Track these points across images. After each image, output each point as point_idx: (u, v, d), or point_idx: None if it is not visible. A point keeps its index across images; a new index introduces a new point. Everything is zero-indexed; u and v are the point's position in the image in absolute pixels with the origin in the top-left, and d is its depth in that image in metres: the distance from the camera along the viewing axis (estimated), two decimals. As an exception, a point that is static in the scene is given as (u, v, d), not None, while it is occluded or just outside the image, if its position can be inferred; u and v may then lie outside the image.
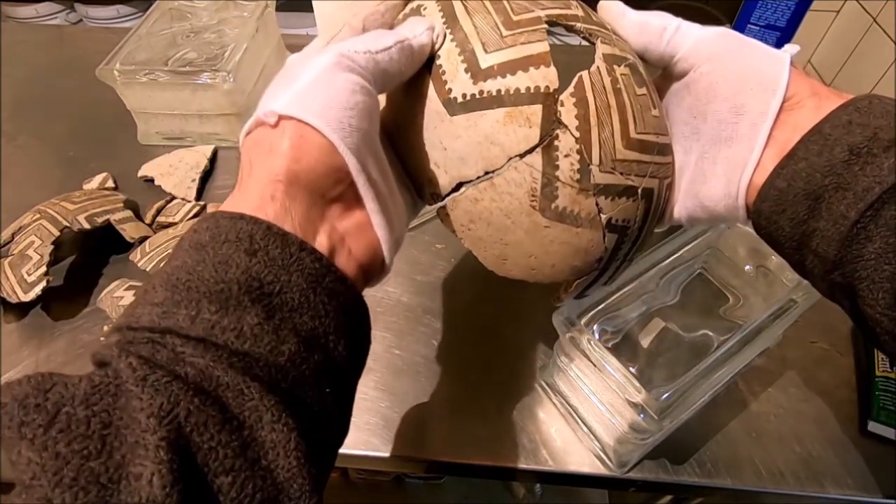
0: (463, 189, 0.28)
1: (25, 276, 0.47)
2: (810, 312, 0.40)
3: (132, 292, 0.49)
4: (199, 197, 0.60)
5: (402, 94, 0.29)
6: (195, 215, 0.57)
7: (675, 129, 0.31)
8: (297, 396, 0.20)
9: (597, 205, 0.27)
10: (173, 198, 0.59)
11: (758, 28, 0.72)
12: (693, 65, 0.29)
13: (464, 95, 0.26)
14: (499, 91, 0.26)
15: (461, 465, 0.42)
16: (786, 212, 0.26)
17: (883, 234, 0.23)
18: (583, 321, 0.38)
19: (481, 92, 0.26)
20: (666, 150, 0.30)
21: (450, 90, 0.27)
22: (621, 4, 0.31)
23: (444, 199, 0.29)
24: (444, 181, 0.28)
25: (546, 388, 0.45)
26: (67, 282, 0.52)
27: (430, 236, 0.56)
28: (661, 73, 0.32)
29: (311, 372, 0.21)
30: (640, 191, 0.28)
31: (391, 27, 0.29)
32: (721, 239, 0.47)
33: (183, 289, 0.19)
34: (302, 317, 0.21)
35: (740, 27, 0.73)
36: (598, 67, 0.27)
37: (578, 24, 0.28)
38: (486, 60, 0.26)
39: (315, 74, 0.23)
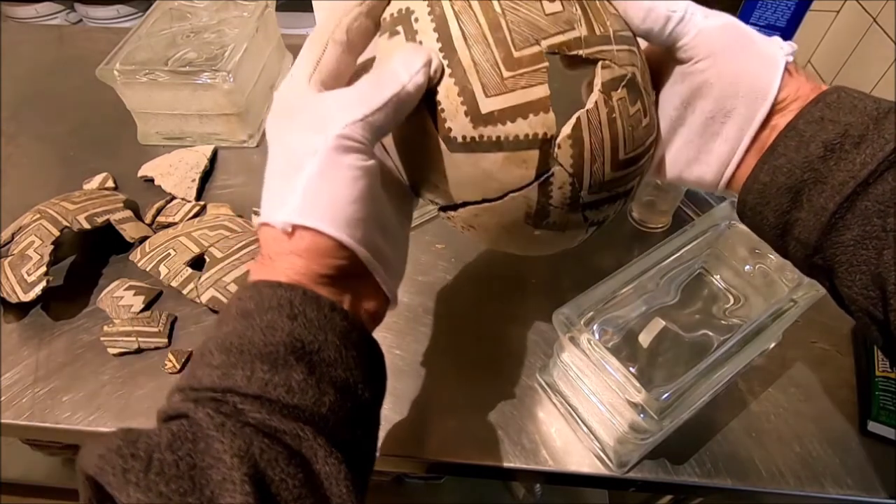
0: (462, 207, 0.30)
1: (25, 276, 0.47)
2: (810, 312, 0.40)
3: (132, 292, 0.49)
4: (198, 197, 0.60)
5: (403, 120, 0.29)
6: (195, 215, 0.57)
7: (663, 103, 0.32)
8: (337, 437, 0.23)
9: (584, 216, 0.30)
10: (173, 198, 0.59)
11: (758, 28, 0.72)
12: (692, 57, 0.29)
13: (464, 137, 0.27)
14: (498, 137, 0.26)
15: (461, 465, 0.42)
16: (769, 203, 0.28)
17: (860, 222, 0.25)
18: (583, 321, 0.38)
19: (481, 136, 0.26)
20: (651, 145, 0.31)
21: (449, 129, 0.27)
22: None
23: (446, 209, 0.31)
24: (444, 199, 0.30)
25: (546, 388, 0.45)
26: (67, 282, 0.52)
27: (431, 236, 0.56)
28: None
29: (346, 416, 0.24)
30: (622, 195, 0.31)
31: (376, 26, 0.29)
32: (721, 239, 0.47)
33: (236, 352, 0.23)
34: (337, 370, 0.24)
35: (740, 27, 0.73)
36: (595, 104, 0.27)
37: (581, 51, 0.27)
38: (486, 105, 0.26)
39: (318, 167, 0.24)
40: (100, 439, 0.19)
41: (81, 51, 0.80)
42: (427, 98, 0.27)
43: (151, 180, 0.61)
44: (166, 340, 0.47)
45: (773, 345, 0.47)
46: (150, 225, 0.56)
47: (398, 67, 0.25)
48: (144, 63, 0.62)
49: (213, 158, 0.65)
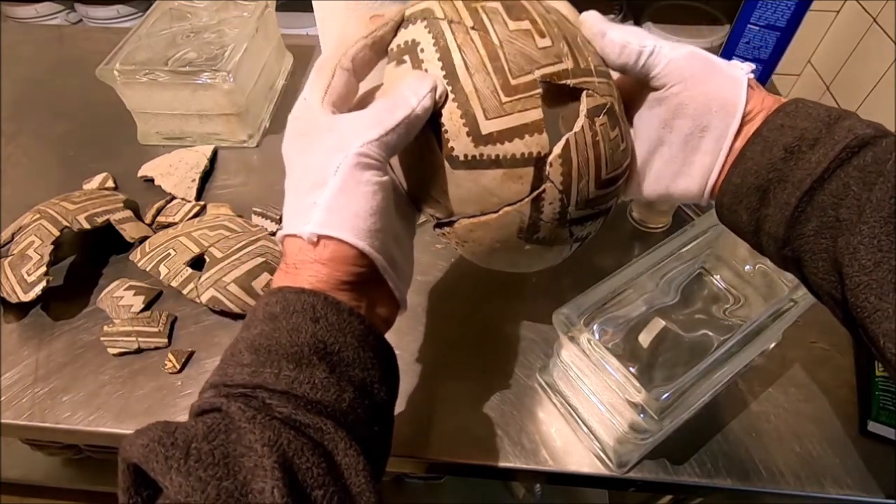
0: (460, 220, 0.32)
1: (25, 276, 0.47)
2: (810, 312, 0.40)
3: (132, 292, 0.49)
4: (198, 197, 0.60)
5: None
6: (195, 215, 0.57)
7: (642, 126, 0.35)
8: (356, 432, 0.25)
9: (570, 231, 0.33)
10: (173, 198, 0.59)
11: (758, 28, 0.72)
12: (665, 84, 0.33)
13: (465, 155, 0.29)
14: (497, 156, 0.29)
15: (461, 465, 0.42)
16: (742, 203, 0.31)
17: (818, 214, 0.28)
18: (583, 321, 0.38)
19: (481, 154, 0.29)
20: (626, 168, 0.34)
21: (452, 148, 0.29)
22: (602, 22, 0.33)
23: (442, 225, 0.34)
24: (444, 213, 0.33)
25: (546, 388, 0.45)
26: (67, 282, 0.52)
27: (430, 236, 0.56)
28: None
29: (364, 414, 0.26)
30: (603, 212, 0.34)
31: (378, 56, 0.31)
32: (721, 239, 0.47)
33: (265, 352, 0.25)
34: (355, 370, 0.26)
35: (740, 27, 0.73)
36: (582, 127, 0.30)
37: (568, 81, 0.30)
38: (486, 127, 0.29)
39: (340, 183, 0.26)
40: (139, 431, 0.21)
41: (81, 51, 0.80)
42: (431, 120, 0.29)
43: (151, 180, 0.61)
44: (166, 340, 0.47)
45: (773, 345, 0.47)
46: (150, 225, 0.56)
47: (408, 92, 0.28)
48: (144, 63, 0.62)
49: (213, 158, 0.65)
